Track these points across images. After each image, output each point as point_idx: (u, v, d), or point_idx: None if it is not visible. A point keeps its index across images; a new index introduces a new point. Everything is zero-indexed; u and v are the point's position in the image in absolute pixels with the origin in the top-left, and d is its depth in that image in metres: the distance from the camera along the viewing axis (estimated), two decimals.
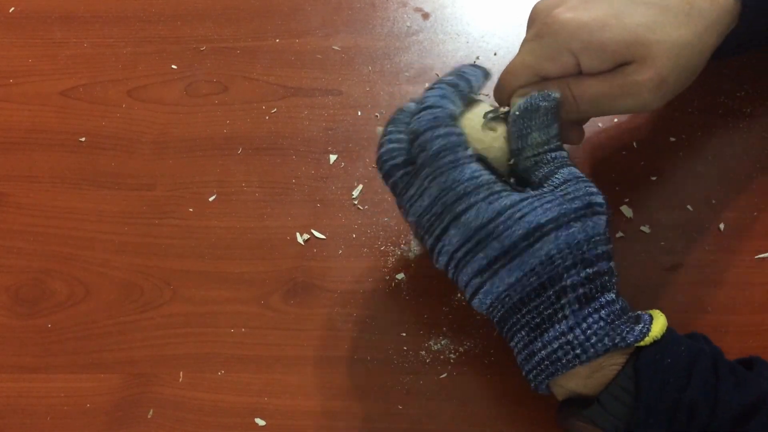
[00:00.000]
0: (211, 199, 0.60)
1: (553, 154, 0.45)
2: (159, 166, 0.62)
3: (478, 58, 0.64)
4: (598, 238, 0.43)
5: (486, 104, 0.48)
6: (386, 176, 0.47)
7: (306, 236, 0.58)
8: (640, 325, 0.43)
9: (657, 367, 0.42)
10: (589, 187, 0.44)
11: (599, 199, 0.44)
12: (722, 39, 0.48)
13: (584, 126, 0.52)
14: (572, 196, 0.43)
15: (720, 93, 0.60)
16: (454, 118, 0.45)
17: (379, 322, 0.55)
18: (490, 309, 0.45)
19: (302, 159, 0.61)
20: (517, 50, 0.48)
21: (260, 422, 0.53)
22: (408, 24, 0.67)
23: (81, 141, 0.63)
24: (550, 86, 0.46)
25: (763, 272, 0.54)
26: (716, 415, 0.41)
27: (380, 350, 0.54)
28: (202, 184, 0.61)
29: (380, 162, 0.48)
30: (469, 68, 0.48)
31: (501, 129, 0.47)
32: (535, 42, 0.47)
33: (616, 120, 0.60)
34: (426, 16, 0.67)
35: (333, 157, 0.61)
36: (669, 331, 0.44)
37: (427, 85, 0.49)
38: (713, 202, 0.57)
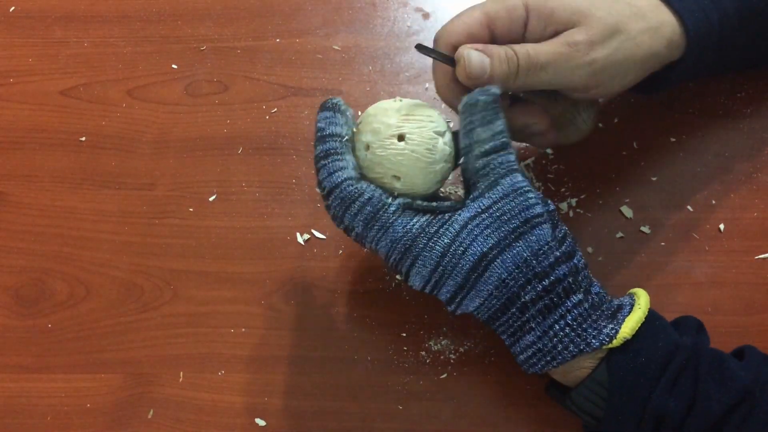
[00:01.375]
0: (211, 199, 0.60)
1: (500, 159, 0.44)
2: (159, 166, 0.62)
3: None
4: (546, 247, 0.44)
5: (381, 106, 0.47)
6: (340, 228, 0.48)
7: (306, 236, 0.58)
8: (611, 325, 0.43)
9: (628, 367, 0.43)
10: (526, 200, 0.44)
11: (537, 210, 0.44)
12: (665, 58, 0.49)
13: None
14: (509, 216, 0.44)
15: (720, 94, 0.60)
16: (354, 179, 0.45)
17: (379, 322, 0.55)
18: (474, 315, 0.47)
19: (302, 159, 0.61)
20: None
21: (260, 422, 0.53)
22: (408, 24, 0.67)
23: (81, 141, 0.63)
24: (495, 46, 0.46)
25: (763, 272, 0.54)
26: (694, 415, 0.42)
27: (380, 350, 0.54)
28: (203, 184, 0.61)
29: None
30: (323, 121, 0.47)
31: (408, 128, 0.45)
32: None
33: (616, 120, 0.60)
34: (426, 16, 0.67)
35: None
36: (648, 322, 0.44)
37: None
38: (713, 202, 0.57)
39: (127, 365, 0.55)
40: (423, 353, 0.54)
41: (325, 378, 0.54)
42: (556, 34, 0.46)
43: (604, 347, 0.43)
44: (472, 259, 0.44)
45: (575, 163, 0.59)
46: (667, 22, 0.48)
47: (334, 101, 0.47)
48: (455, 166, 0.47)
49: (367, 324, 0.55)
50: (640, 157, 0.59)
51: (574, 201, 0.57)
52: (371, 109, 0.47)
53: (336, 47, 0.66)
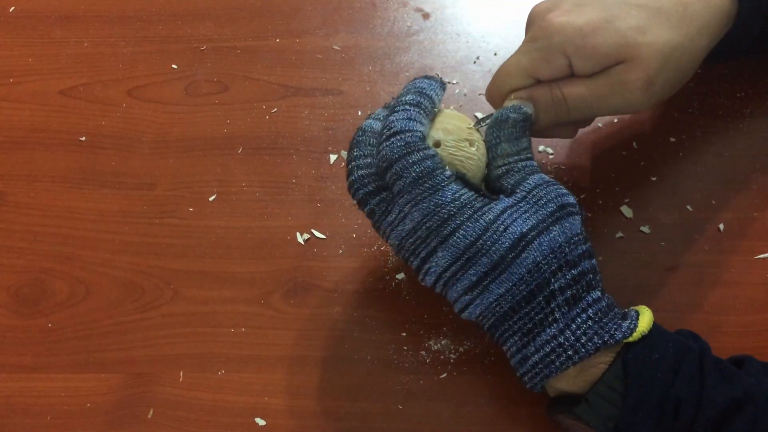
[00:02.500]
0: (211, 198, 0.60)
1: (523, 164, 0.46)
2: (159, 166, 0.62)
3: (478, 58, 0.64)
4: (577, 238, 0.44)
5: (449, 112, 0.48)
6: (360, 203, 0.48)
7: (306, 236, 0.58)
8: (627, 321, 0.44)
9: (645, 362, 0.43)
10: (559, 189, 0.45)
11: (571, 199, 0.45)
12: (716, 41, 0.48)
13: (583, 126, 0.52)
14: (545, 200, 0.44)
15: (720, 94, 0.60)
16: (424, 140, 0.45)
17: (379, 322, 0.55)
18: (480, 318, 0.46)
19: (302, 159, 0.61)
20: (516, 50, 0.48)
21: (260, 422, 0.53)
22: (408, 24, 0.67)
23: (81, 140, 0.63)
24: (541, 89, 0.47)
25: (762, 272, 0.54)
26: (701, 410, 0.41)
27: (380, 350, 0.54)
28: (203, 184, 0.61)
29: (352, 190, 0.48)
30: (426, 82, 0.47)
31: (477, 138, 0.47)
32: (530, 44, 0.47)
33: (616, 120, 0.60)
34: (426, 16, 0.67)
35: (333, 157, 0.61)
36: (655, 327, 0.44)
37: (390, 100, 0.48)
38: (713, 202, 0.57)
39: (127, 365, 0.55)
40: (423, 353, 0.54)
41: (325, 378, 0.54)
42: (604, 68, 0.46)
43: (627, 340, 0.43)
44: (512, 237, 0.43)
45: (575, 163, 0.59)
46: (717, 6, 0.47)
47: (445, 83, 0.48)
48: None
49: (367, 324, 0.55)
50: (640, 157, 0.59)
51: None
52: (441, 113, 0.48)
53: (336, 47, 0.66)
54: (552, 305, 0.43)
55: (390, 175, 0.45)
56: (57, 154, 0.63)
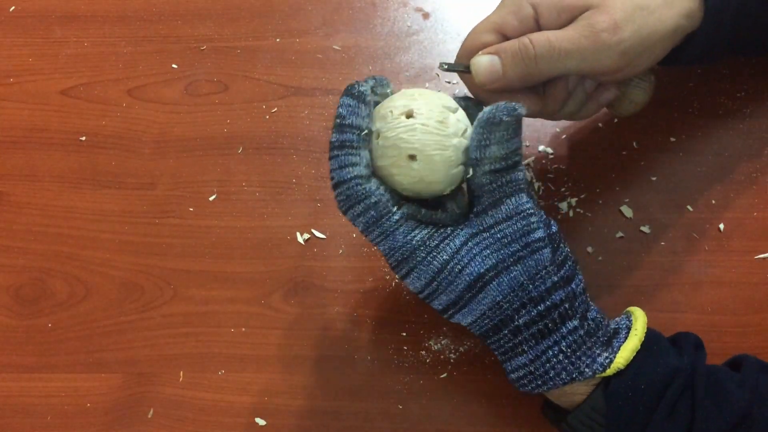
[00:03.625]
0: (211, 198, 0.60)
1: (509, 176, 0.43)
2: (159, 166, 0.62)
3: None
4: (543, 272, 0.43)
5: (407, 92, 0.44)
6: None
7: (306, 236, 0.58)
8: (606, 354, 0.43)
9: (627, 396, 0.42)
10: (528, 225, 0.43)
11: (538, 234, 0.43)
12: (684, 29, 0.47)
13: (584, 126, 0.52)
14: (509, 239, 0.43)
15: (720, 94, 0.60)
16: (365, 178, 0.43)
17: (379, 322, 0.55)
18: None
19: (303, 158, 0.61)
20: None
21: (260, 422, 0.53)
22: (408, 24, 0.67)
23: (81, 140, 0.63)
24: (509, 41, 0.46)
25: (762, 272, 0.54)
26: None
27: (380, 350, 0.54)
28: (203, 184, 0.61)
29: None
30: (345, 107, 0.43)
31: (452, 120, 0.43)
32: (500, 3, 0.48)
33: (616, 120, 0.60)
34: (426, 16, 0.67)
35: None
36: (646, 345, 0.43)
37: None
38: (713, 202, 0.57)
39: (127, 365, 0.55)
40: (423, 353, 0.54)
41: (325, 378, 0.54)
42: (571, 20, 0.45)
43: (598, 376, 0.43)
44: (468, 279, 0.43)
45: (575, 163, 0.59)
46: None
47: (362, 89, 0.43)
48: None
49: (367, 324, 0.55)
50: (640, 157, 0.59)
51: (574, 201, 0.57)
52: (381, 103, 0.45)
53: (336, 47, 0.66)
54: (518, 338, 0.43)
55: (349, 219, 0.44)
56: (57, 154, 0.63)
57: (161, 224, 0.59)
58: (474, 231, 0.43)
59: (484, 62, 0.45)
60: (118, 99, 0.65)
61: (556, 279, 0.43)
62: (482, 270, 0.43)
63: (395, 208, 0.43)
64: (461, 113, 0.44)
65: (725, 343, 0.51)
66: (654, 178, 0.58)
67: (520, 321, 0.43)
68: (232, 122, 0.63)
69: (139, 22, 0.68)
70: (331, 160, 0.44)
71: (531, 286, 0.43)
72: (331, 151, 0.44)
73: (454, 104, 0.44)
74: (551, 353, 0.43)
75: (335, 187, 0.44)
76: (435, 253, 0.43)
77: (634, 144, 0.59)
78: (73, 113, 0.65)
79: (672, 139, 0.59)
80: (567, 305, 0.43)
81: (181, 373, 0.54)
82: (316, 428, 0.52)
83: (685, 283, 0.54)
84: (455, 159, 0.43)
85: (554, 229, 0.44)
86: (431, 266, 0.43)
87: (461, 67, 0.48)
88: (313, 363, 0.54)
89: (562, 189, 0.58)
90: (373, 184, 0.43)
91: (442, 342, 0.54)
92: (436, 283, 0.44)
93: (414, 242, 0.43)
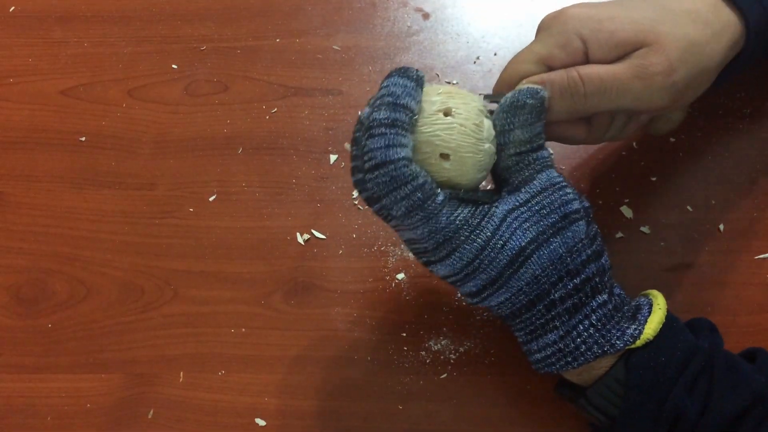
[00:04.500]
0: (211, 199, 0.60)
1: (535, 155, 0.43)
2: (159, 166, 0.62)
3: (478, 58, 0.64)
4: (580, 245, 0.43)
5: (439, 88, 0.44)
6: (366, 202, 0.44)
7: (306, 236, 0.58)
8: (633, 326, 0.43)
9: (648, 366, 0.42)
10: (564, 195, 0.43)
11: (575, 205, 0.43)
12: (730, 55, 0.47)
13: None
14: (548, 210, 0.43)
15: (720, 94, 0.60)
16: (410, 163, 0.41)
17: (379, 322, 0.55)
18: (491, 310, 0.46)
19: (303, 159, 0.61)
20: (517, 50, 0.48)
21: (260, 422, 0.53)
22: (408, 24, 0.67)
23: (81, 140, 0.63)
24: (556, 72, 0.45)
25: (763, 272, 0.54)
26: (707, 417, 0.42)
27: (380, 350, 0.54)
28: (203, 184, 0.61)
29: (357, 189, 0.45)
30: (400, 87, 0.42)
31: (487, 125, 0.43)
32: (543, 33, 0.46)
33: None
34: (426, 16, 0.67)
35: (333, 157, 0.61)
36: (668, 323, 0.44)
37: (366, 110, 0.43)
38: (713, 202, 0.57)
39: (127, 365, 0.55)
40: (423, 353, 0.54)
41: (325, 378, 0.54)
42: (623, 55, 0.44)
43: (629, 347, 0.43)
44: (510, 253, 0.42)
45: (575, 163, 0.59)
46: (729, 22, 0.46)
47: (420, 74, 0.43)
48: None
49: (367, 324, 0.55)
50: (640, 157, 0.59)
51: None
52: None
53: (336, 47, 0.66)
54: (552, 313, 0.43)
55: (379, 207, 0.43)
56: (57, 154, 0.63)
57: (161, 224, 0.59)
58: (511, 207, 0.43)
59: (529, 99, 0.44)
60: (118, 99, 0.65)
61: (589, 252, 0.43)
62: (523, 243, 0.42)
63: (438, 190, 0.42)
64: (490, 121, 0.44)
65: (725, 343, 0.50)
66: (654, 178, 0.58)
67: (556, 295, 0.43)
68: (232, 122, 0.63)
69: (139, 22, 0.68)
70: (373, 138, 0.41)
71: (569, 259, 0.43)
72: (374, 129, 0.41)
73: (485, 108, 0.44)
74: (581, 327, 0.43)
75: (376, 167, 0.41)
76: (478, 231, 0.42)
77: (634, 144, 0.59)
78: (73, 113, 0.65)
79: (672, 140, 0.59)
80: (597, 279, 0.43)
81: (182, 373, 0.54)
82: (316, 428, 0.52)
83: (685, 283, 0.54)
84: (484, 164, 0.43)
85: (586, 204, 0.45)
86: (474, 244, 0.42)
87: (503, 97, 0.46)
88: (313, 363, 0.54)
89: None
90: (417, 166, 0.42)
91: (442, 342, 0.54)
92: (478, 261, 0.43)
93: (457, 222, 0.42)
